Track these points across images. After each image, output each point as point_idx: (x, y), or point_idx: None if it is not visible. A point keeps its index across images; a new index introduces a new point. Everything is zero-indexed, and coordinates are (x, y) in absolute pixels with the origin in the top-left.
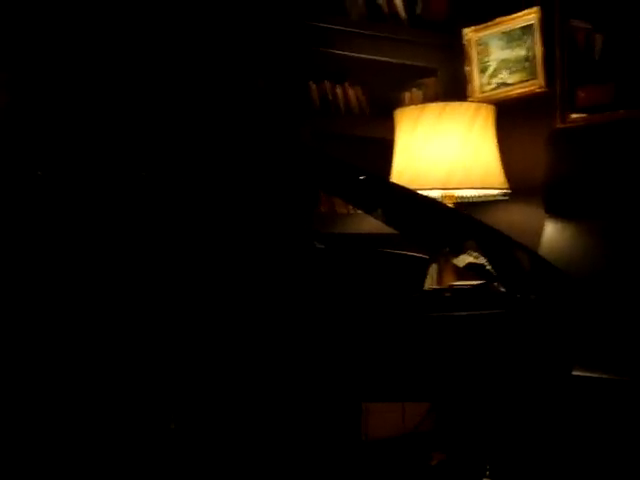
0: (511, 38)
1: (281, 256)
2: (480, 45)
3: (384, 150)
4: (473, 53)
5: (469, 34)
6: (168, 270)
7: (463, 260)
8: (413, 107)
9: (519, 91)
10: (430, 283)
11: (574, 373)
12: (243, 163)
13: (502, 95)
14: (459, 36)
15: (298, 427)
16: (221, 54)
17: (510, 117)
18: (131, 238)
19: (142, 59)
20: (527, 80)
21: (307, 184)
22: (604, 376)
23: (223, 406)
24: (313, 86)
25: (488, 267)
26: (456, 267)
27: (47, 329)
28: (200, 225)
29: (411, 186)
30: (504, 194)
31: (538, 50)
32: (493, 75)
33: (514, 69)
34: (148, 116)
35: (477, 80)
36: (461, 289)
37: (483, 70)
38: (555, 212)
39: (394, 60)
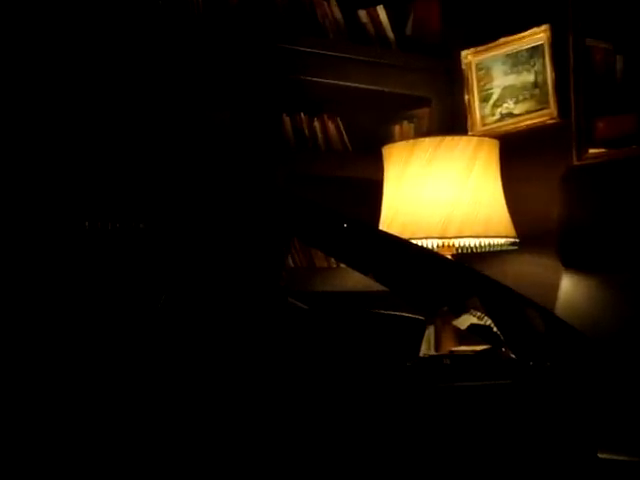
0: (517, 61)
1: (250, 320)
2: (481, 70)
3: (371, 193)
4: (473, 79)
5: (468, 57)
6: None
7: (465, 321)
8: (404, 143)
9: (527, 123)
10: (427, 349)
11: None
12: (198, 210)
13: (507, 128)
14: (456, 60)
15: None
16: (176, 79)
17: (517, 153)
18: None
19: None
20: (537, 110)
21: (278, 233)
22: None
23: None
24: (286, 119)
25: (494, 329)
26: (457, 329)
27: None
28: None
29: (403, 235)
30: (512, 243)
31: (549, 74)
32: (496, 104)
33: (521, 97)
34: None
35: (478, 111)
36: (463, 356)
37: (485, 99)
38: (573, 263)
39: (381, 88)
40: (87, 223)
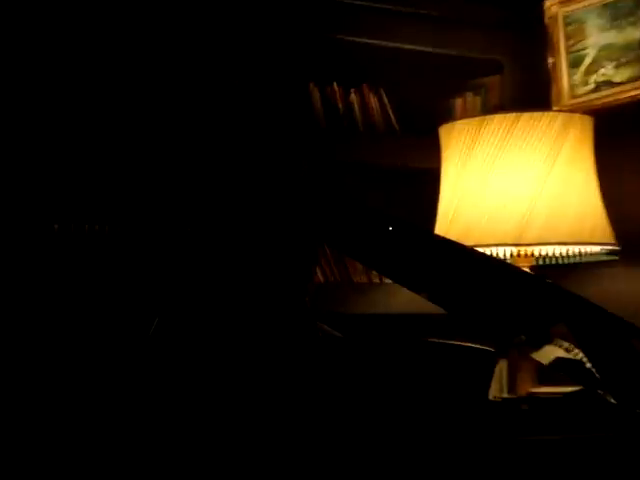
0: (618, 12)
1: (267, 353)
2: (570, 24)
3: (424, 187)
4: (559, 37)
5: (553, 8)
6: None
7: (549, 354)
8: (468, 121)
9: (632, 94)
10: (498, 390)
11: None
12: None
13: (605, 100)
14: (538, 12)
15: None
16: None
17: (618, 134)
18: None
19: None
20: None
21: (302, 239)
22: None
23: None
24: (315, 91)
25: (587, 365)
26: (538, 365)
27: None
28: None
29: (466, 241)
30: (610, 252)
31: None
32: (591, 70)
33: (624, 60)
34: None
35: (566, 78)
36: (546, 399)
37: (575, 63)
38: None
39: (438, 50)
40: (56, 226)
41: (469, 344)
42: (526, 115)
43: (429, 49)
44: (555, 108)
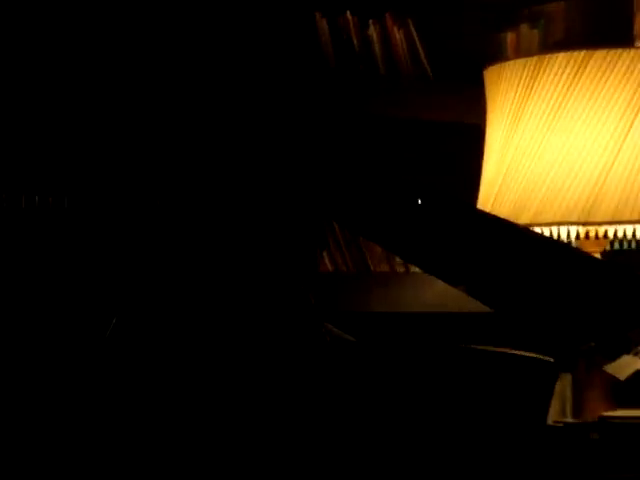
0: None
1: (262, 360)
2: None
3: (463, 148)
4: None
5: None
6: None
7: (627, 366)
8: (522, 61)
9: None
10: (559, 413)
11: None
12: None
13: None
14: None
15: None
16: None
17: None
18: None
19: None
20: None
21: (305, 217)
22: None
23: None
24: (323, 22)
25: None
26: (612, 380)
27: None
28: None
29: (518, 219)
30: None
31: None
32: None
33: None
34: None
35: None
36: (622, 425)
37: None
38: None
39: None
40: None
41: (521, 353)
42: (600, 53)
43: None
44: (639, 44)
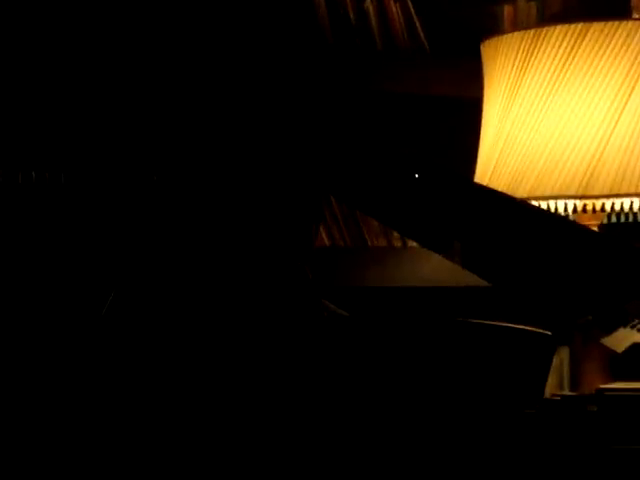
0: None
1: (259, 338)
2: None
3: (460, 121)
4: None
5: None
6: None
7: (624, 339)
8: (519, 34)
9: None
10: (557, 386)
11: None
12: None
13: None
14: None
15: None
16: None
17: None
18: None
19: None
20: None
21: (300, 189)
22: None
23: None
24: None
25: None
26: (609, 353)
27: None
28: None
29: (515, 192)
30: None
31: None
32: None
33: None
34: None
35: None
36: (620, 398)
37: None
38: None
39: None
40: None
41: (519, 326)
42: (597, 25)
43: None
44: (636, 15)
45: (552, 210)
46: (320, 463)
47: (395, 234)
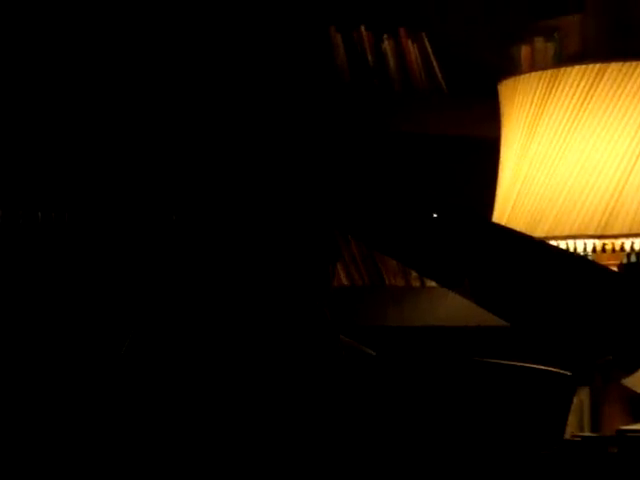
0: None
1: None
2: None
3: (478, 161)
4: None
5: None
6: None
7: None
8: (537, 75)
9: None
10: (577, 427)
11: None
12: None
13: None
14: None
15: None
16: None
17: None
18: None
19: None
20: None
21: (318, 230)
22: None
23: None
24: (337, 37)
25: None
26: (630, 395)
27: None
28: None
29: (533, 232)
30: None
31: None
32: None
33: None
34: None
35: None
36: None
37: None
38: None
39: None
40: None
41: (539, 366)
42: (615, 65)
43: None
44: None
45: (571, 250)
46: None
47: (413, 274)
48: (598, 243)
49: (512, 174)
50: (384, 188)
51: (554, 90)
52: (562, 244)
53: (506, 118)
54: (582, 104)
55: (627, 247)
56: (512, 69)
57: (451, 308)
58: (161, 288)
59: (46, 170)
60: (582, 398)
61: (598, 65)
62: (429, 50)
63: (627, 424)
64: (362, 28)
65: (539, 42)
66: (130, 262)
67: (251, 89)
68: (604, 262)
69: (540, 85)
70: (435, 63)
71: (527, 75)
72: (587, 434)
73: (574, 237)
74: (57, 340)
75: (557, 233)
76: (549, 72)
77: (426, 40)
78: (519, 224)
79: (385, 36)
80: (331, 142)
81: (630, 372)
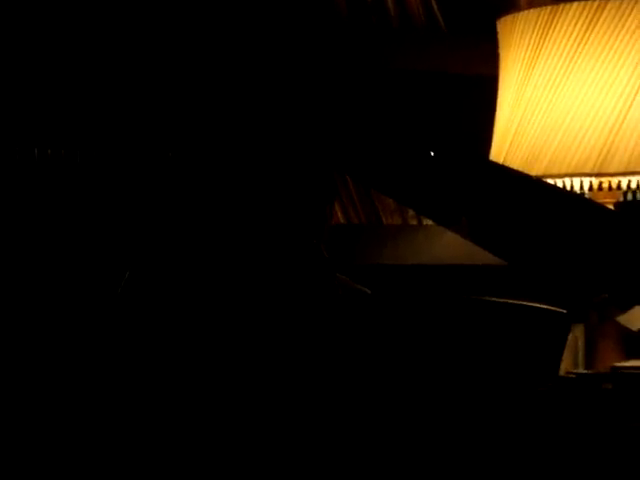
0: None
1: (275, 315)
2: None
3: (476, 99)
4: None
5: None
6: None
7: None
8: (535, 11)
9: None
10: (571, 364)
11: None
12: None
13: None
14: None
15: None
16: None
17: None
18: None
19: None
20: None
21: (313, 167)
22: None
23: None
24: None
25: None
26: (624, 332)
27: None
28: None
29: (530, 170)
30: None
31: None
32: None
33: None
34: None
35: None
36: (635, 376)
37: None
38: None
39: None
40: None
41: (534, 304)
42: (613, 2)
43: None
44: None
45: (568, 188)
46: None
47: (410, 212)
48: (595, 181)
49: (510, 112)
50: (381, 126)
51: (552, 28)
52: (559, 182)
53: (504, 56)
54: (580, 42)
55: (624, 185)
56: (511, 6)
57: (448, 246)
58: (157, 227)
59: (42, 105)
60: (577, 335)
61: (597, 2)
62: None
63: (621, 361)
64: None
65: None
66: (125, 199)
67: (246, 23)
68: (600, 200)
69: (538, 22)
70: (436, 2)
71: (525, 12)
72: (582, 371)
73: (571, 175)
74: (52, 281)
75: (554, 171)
76: (548, 9)
77: None
78: (516, 162)
79: None
80: (328, 79)
81: (625, 310)
